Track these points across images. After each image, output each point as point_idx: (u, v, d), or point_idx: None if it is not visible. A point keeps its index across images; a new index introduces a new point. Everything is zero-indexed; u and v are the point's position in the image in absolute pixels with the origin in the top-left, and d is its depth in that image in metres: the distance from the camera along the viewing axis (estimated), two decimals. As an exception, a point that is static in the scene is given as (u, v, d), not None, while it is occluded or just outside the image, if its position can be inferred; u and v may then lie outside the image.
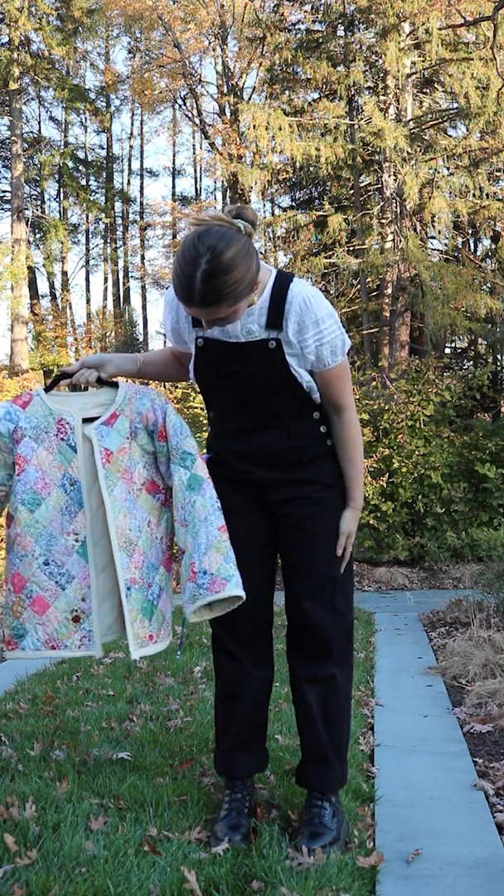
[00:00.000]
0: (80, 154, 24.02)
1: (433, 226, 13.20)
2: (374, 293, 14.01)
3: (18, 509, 2.26)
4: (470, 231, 14.89)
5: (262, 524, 2.32)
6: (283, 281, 2.15)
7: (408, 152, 12.02)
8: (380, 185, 13.10)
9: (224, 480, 2.28)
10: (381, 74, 12.65)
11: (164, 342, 5.19)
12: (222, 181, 21.82)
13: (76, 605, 2.26)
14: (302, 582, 2.30)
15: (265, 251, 17.33)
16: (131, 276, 26.59)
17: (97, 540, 2.26)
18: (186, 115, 23.22)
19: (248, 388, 2.21)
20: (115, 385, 2.31)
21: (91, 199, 21.99)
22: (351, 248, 13.26)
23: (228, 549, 2.16)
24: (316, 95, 13.91)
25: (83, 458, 2.25)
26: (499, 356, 15.95)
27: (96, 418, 2.27)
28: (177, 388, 8.89)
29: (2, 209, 23.22)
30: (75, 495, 2.25)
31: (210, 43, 19.66)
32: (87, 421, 2.27)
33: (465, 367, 15.91)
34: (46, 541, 2.26)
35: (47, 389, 2.32)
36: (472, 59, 11.32)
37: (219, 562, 2.14)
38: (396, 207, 12.58)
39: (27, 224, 19.63)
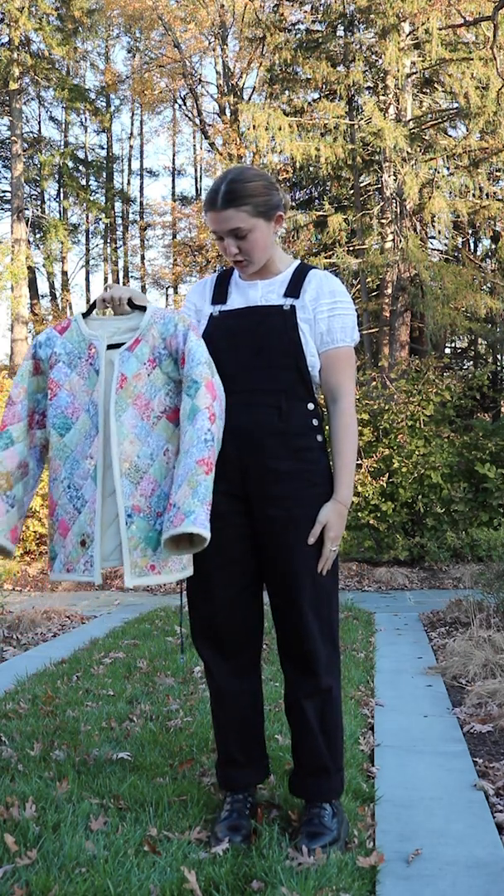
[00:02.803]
0: (80, 154, 24.01)
1: (433, 226, 13.21)
2: (374, 293, 14.02)
3: (51, 433, 2.27)
4: (470, 231, 14.90)
5: (246, 529, 2.24)
6: (305, 265, 2.32)
7: (408, 152, 12.02)
8: (380, 185, 13.10)
9: None
10: (381, 74, 12.65)
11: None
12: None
13: (85, 529, 2.21)
14: (282, 586, 2.23)
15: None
16: (131, 276, 26.60)
17: (108, 465, 2.20)
18: (186, 115, 23.22)
19: (252, 351, 2.21)
20: (145, 310, 2.26)
21: (91, 199, 21.98)
22: (351, 248, 13.26)
23: (200, 482, 2.04)
24: (316, 95, 13.92)
25: (104, 382, 2.22)
26: (499, 356, 15.96)
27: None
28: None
29: (2, 209, 23.22)
30: (95, 419, 2.22)
31: (210, 43, 19.65)
32: (117, 346, 2.24)
33: (465, 367, 15.92)
34: (71, 465, 2.24)
35: (85, 314, 2.30)
36: (472, 59, 11.32)
37: (187, 496, 2.04)
38: (396, 207, 12.59)
39: (27, 224, 19.63)
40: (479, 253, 15.94)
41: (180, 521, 2.02)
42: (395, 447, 8.32)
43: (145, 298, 2.30)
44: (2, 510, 2.25)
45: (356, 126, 12.54)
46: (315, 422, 2.24)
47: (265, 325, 2.23)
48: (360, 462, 8.09)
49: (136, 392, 2.20)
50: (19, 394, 2.33)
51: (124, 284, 26.35)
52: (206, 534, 2.02)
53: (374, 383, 9.26)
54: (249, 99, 18.25)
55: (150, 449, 2.19)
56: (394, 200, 12.58)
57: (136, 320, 2.26)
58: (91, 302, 2.32)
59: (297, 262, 2.34)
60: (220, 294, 2.33)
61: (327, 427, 2.32)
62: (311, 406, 2.24)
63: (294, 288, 2.26)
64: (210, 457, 2.07)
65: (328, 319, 2.23)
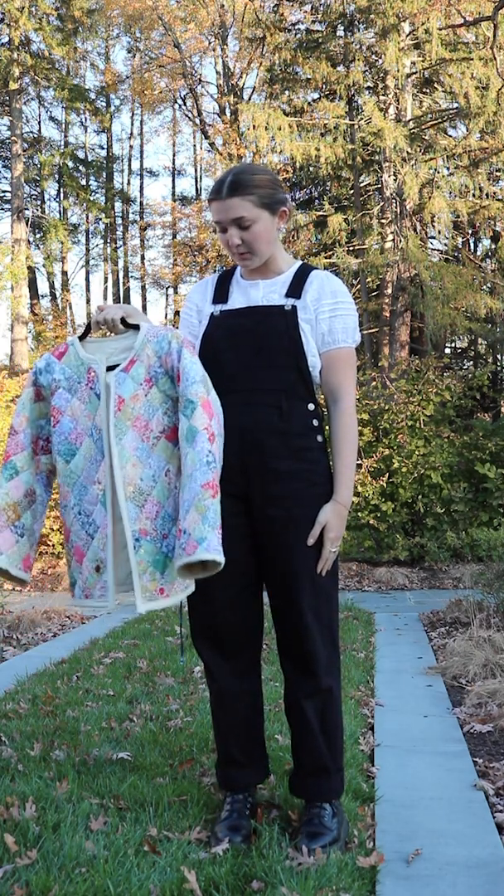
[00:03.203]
0: (80, 154, 24.01)
1: (433, 226, 13.21)
2: (374, 293, 14.01)
3: (57, 460, 2.27)
4: (470, 231, 14.89)
5: (246, 529, 2.24)
6: (307, 265, 2.33)
7: (408, 152, 12.02)
8: (380, 185, 13.10)
9: None
10: (381, 74, 12.65)
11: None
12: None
13: (99, 555, 2.21)
14: (282, 587, 2.22)
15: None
16: (131, 276, 26.59)
17: (114, 490, 2.20)
18: (186, 115, 23.22)
19: (253, 350, 2.21)
20: (139, 328, 2.23)
21: (91, 199, 21.98)
22: (351, 248, 13.27)
23: (209, 507, 2.02)
24: (316, 95, 13.92)
25: (104, 406, 2.21)
26: (499, 356, 15.96)
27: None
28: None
29: (2, 209, 23.23)
30: (99, 444, 2.21)
31: (210, 43, 19.65)
32: (114, 367, 2.22)
33: (465, 367, 15.92)
34: (79, 491, 2.24)
35: (81, 337, 2.29)
36: (472, 59, 11.32)
37: (196, 522, 2.02)
38: (396, 207, 12.59)
39: (27, 224, 19.63)
40: (479, 253, 15.94)
41: (193, 548, 2.01)
42: (395, 447, 8.32)
43: (139, 315, 2.27)
44: (11, 541, 2.27)
45: (356, 126, 12.54)
46: (315, 422, 2.24)
47: (266, 325, 2.22)
48: (360, 462, 8.09)
49: (134, 414, 2.18)
50: (21, 423, 2.33)
51: (124, 285, 26.37)
52: (221, 559, 2.00)
53: (374, 383, 9.26)
54: (249, 99, 18.26)
55: (151, 471, 2.18)
56: (394, 200, 12.58)
57: (131, 339, 2.23)
58: (86, 324, 2.30)
59: (299, 262, 2.34)
60: (221, 293, 2.33)
61: (327, 427, 2.32)
62: (311, 406, 2.23)
63: (296, 288, 2.26)
64: (214, 479, 2.05)
65: (329, 320, 2.23)
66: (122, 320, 2.23)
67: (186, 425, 2.10)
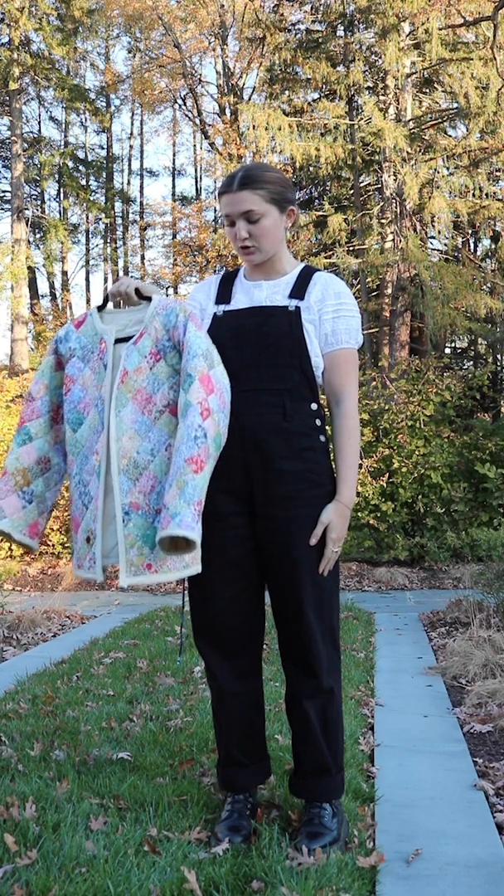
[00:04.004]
0: (80, 154, 24.02)
1: (433, 226, 13.20)
2: (374, 293, 14.02)
3: (66, 429, 2.27)
4: (470, 231, 14.89)
5: (247, 529, 2.24)
6: (310, 267, 2.35)
7: (408, 152, 12.02)
8: (380, 185, 13.10)
9: (211, 479, 2.18)
10: (381, 74, 12.65)
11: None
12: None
13: (90, 526, 2.19)
14: (283, 587, 2.22)
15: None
16: (131, 276, 26.59)
17: (108, 461, 2.17)
18: (186, 115, 23.22)
19: (256, 350, 2.21)
20: (150, 300, 2.22)
21: (91, 199, 21.99)
22: (351, 248, 13.26)
23: (188, 482, 1.98)
24: (316, 95, 13.91)
25: (110, 377, 2.19)
26: (499, 356, 15.96)
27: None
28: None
29: (2, 209, 23.23)
30: (102, 415, 2.19)
31: (210, 43, 19.66)
32: (127, 339, 2.21)
33: (465, 367, 15.92)
34: (81, 460, 2.23)
35: (100, 307, 2.29)
36: (472, 59, 11.32)
37: (175, 496, 1.98)
38: (396, 207, 12.59)
39: (27, 224, 19.63)
40: (479, 253, 15.95)
41: (167, 523, 1.98)
42: (395, 447, 8.33)
43: (153, 289, 2.27)
44: (17, 506, 2.25)
45: (356, 126, 12.54)
46: (318, 422, 2.25)
47: (270, 325, 2.23)
48: (360, 462, 8.09)
49: (136, 387, 2.16)
50: (39, 390, 2.32)
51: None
52: (192, 535, 1.95)
53: (374, 383, 9.26)
54: (249, 99, 18.26)
55: (150, 444, 2.14)
56: (394, 200, 12.58)
57: (144, 312, 2.23)
58: (104, 295, 2.30)
59: (303, 264, 2.35)
60: (224, 294, 2.34)
61: (328, 428, 2.32)
62: (314, 406, 2.24)
63: (299, 289, 2.27)
64: (200, 454, 2.01)
65: (333, 321, 2.24)
66: (137, 291, 2.23)
67: (183, 399, 2.07)
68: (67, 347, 2.30)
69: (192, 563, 2.11)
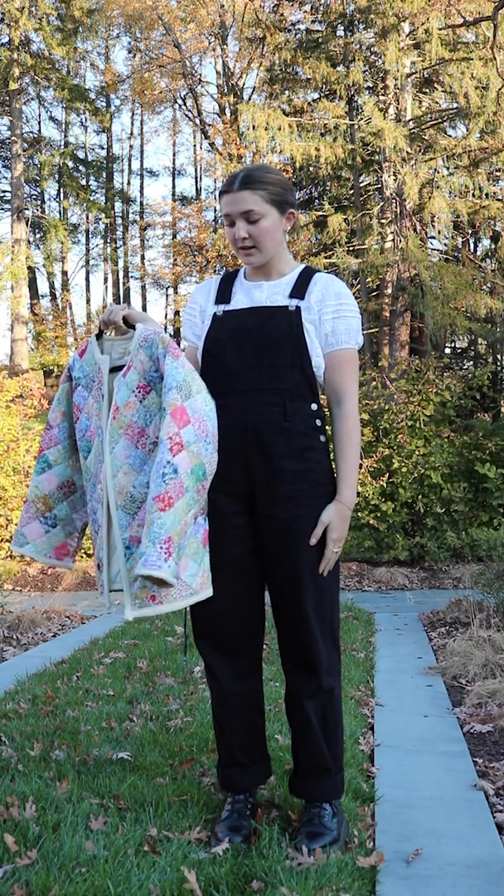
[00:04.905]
0: (80, 154, 24.04)
1: (433, 226, 13.20)
2: (374, 293, 14.02)
3: (81, 455, 2.31)
4: (470, 231, 14.89)
5: (248, 529, 2.24)
6: (310, 268, 2.35)
7: (407, 152, 12.02)
8: (380, 185, 13.11)
9: (212, 479, 2.19)
10: (381, 74, 12.66)
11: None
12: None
13: (99, 554, 2.23)
14: (284, 587, 2.22)
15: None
16: (131, 276, 26.60)
17: (108, 496, 2.19)
18: (186, 115, 23.23)
19: (257, 350, 2.21)
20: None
21: (91, 199, 22.01)
22: (351, 248, 13.27)
23: (154, 521, 1.97)
24: (316, 95, 13.92)
25: (105, 409, 2.21)
26: (499, 356, 15.95)
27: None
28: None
29: (2, 209, 23.25)
30: (102, 445, 2.20)
31: (210, 43, 19.67)
32: (120, 368, 2.21)
33: (465, 367, 15.92)
34: (91, 488, 2.27)
35: (98, 335, 2.30)
36: (472, 59, 11.32)
37: (144, 536, 1.99)
38: (396, 207, 12.59)
39: (27, 224, 19.64)
40: (479, 253, 15.94)
41: (136, 563, 2.01)
42: (395, 447, 8.32)
43: (141, 316, 2.25)
44: (40, 531, 2.33)
45: (356, 126, 12.54)
46: (318, 422, 2.25)
47: (270, 325, 2.23)
48: (360, 462, 8.09)
49: (126, 422, 2.16)
50: (56, 417, 2.37)
51: (124, 285, 26.37)
52: (157, 573, 1.93)
53: (374, 383, 9.26)
54: (249, 99, 18.27)
55: (146, 477, 2.13)
56: (394, 200, 12.58)
57: (131, 342, 2.22)
58: (99, 324, 2.32)
59: (303, 265, 2.35)
60: (224, 294, 2.34)
61: (328, 428, 2.32)
62: (314, 406, 2.24)
63: (300, 290, 2.27)
64: (167, 491, 1.98)
65: (333, 321, 2.24)
66: (125, 320, 2.23)
67: (159, 435, 2.07)
68: (75, 376, 2.34)
69: (200, 589, 2.11)
